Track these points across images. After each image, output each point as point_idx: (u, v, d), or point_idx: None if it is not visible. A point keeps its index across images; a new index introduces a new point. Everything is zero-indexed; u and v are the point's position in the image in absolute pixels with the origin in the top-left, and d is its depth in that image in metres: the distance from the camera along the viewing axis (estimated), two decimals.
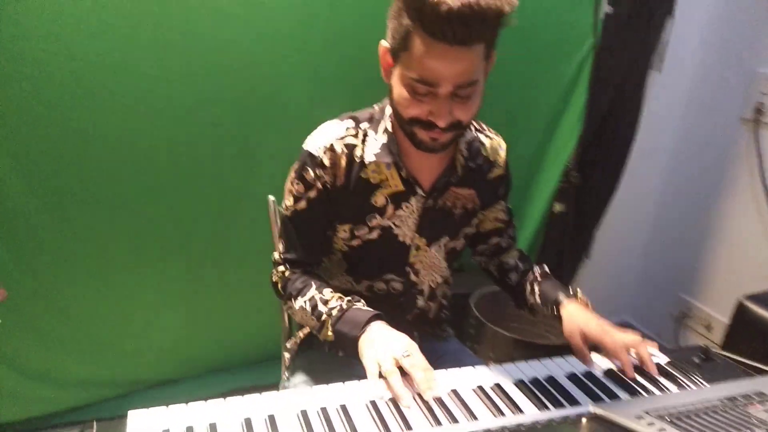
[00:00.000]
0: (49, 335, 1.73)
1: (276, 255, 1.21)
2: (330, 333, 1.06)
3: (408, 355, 0.94)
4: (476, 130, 1.23)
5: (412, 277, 1.23)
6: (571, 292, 1.20)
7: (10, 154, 1.51)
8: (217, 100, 1.67)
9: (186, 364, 1.97)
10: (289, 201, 1.16)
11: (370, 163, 1.12)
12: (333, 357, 1.24)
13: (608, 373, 1.07)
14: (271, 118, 1.73)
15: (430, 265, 1.24)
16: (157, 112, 1.62)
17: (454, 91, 0.96)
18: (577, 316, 1.14)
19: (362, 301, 1.10)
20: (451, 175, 1.16)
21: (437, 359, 1.32)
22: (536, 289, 1.25)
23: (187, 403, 0.86)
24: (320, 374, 1.23)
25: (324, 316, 1.07)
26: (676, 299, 2.52)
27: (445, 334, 1.39)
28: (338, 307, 1.07)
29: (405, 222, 1.17)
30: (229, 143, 1.72)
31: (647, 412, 0.89)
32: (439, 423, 0.87)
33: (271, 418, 0.86)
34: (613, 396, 0.99)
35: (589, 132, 2.18)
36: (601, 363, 1.10)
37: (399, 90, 1.00)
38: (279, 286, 1.19)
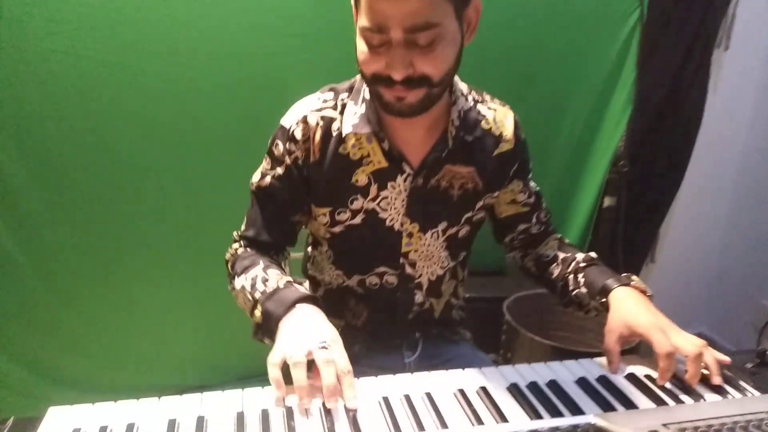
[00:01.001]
0: (63, 336, 1.73)
1: (235, 233, 1.10)
2: (259, 313, 0.92)
3: (324, 347, 0.80)
4: (475, 100, 1.07)
5: (408, 269, 1.09)
6: (624, 278, 1.01)
7: (19, 154, 1.52)
8: (223, 106, 1.64)
9: (202, 373, 1.90)
10: (256, 177, 1.06)
11: (349, 135, 0.99)
12: None
13: (630, 377, 0.88)
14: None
15: (428, 256, 1.09)
16: (166, 116, 1.61)
17: (407, 36, 0.82)
18: (625, 305, 0.95)
19: (306, 283, 0.97)
20: (442, 149, 1.01)
21: (444, 363, 1.16)
22: (581, 278, 1.06)
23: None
24: None
25: (258, 295, 0.94)
26: (757, 306, 2.19)
27: (456, 337, 1.22)
28: (275, 286, 0.93)
29: (392, 204, 1.03)
30: (239, 147, 1.65)
31: (666, 425, 0.70)
32: None
33: (199, 419, 0.74)
34: (630, 405, 0.80)
35: (644, 117, 1.95)
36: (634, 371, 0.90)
37: (359, 45, 0.89)
38: (228, 264, 1.07)
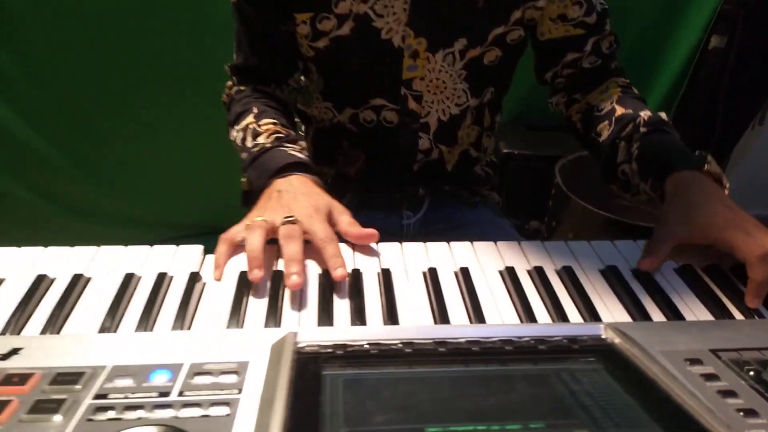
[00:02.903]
0: (97, 174, 1.68)
1: (227, 66, 0.89)
2: (244, 180, 0.75)
3: (291, 221, 0.60)
4: None
5: (411, 103, 0.83)
6: (695, 158, 0.70)
7: None
8: None
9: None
10: None
11: None
12: None
13: (684, 272, 0.62)
14: None
15: (438, 87, 0.82)
16: None
17: None
18: (690, 196, 0.65)
19: (300, 143, 0.77)
20: None
21: (453, 229, 0.95)
22: (635, 148, 0.75)
23: None
24: None
25: (245, 156, 0.77)
26: None
27: (475, 199, 0.99)
28: (262, 146, 0.75)
29: (390, 9, 0.76)
30: None
31: (715, 352, 0.46)
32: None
33: (127, 277, 0.58)
34: (677, 314, 0.56)
35: None
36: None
37: None
38: (225, 108, 0.88)
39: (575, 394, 0.40)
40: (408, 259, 0.63)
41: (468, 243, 0.66)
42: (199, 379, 0.41)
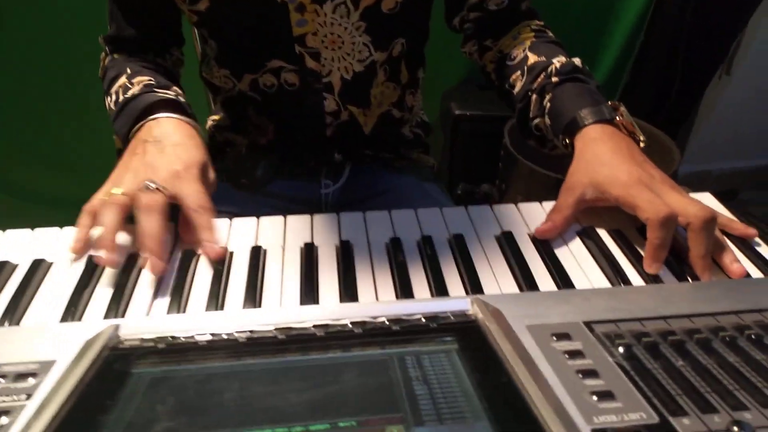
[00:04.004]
0: (31, 151, 1.61)
1: (100, 38, 0.81)
2: (115, 137, 0.69)
3: (150, 188, 0.54)
4: None
5: (309, 62, 0.76)
6: (607, 110, 0.63)
7: None
8: None
9: None
10: None
11: None
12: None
13: (587, 234, 0.57)
14: None
15: (335, 42, 0.75)
16: None
17: None
18: (596, 151, 0.59)
19: (175, 88, 0.70)
20: None
21: (377, 197, 0.89)
22: (547, 101, 0.69)
23: None
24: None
25: (114, 113, 0.70)
26: None
27: (402, 163, 0.93)
28: (131, 95, 0.68)
29: None
30: None
31: (590, 325, 0.41)
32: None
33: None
34: (568, 283, 0.51)
35: None
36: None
37: None
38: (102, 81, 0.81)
39: (411, 382, 0.36)
40: (289, 234, 0.58)
41: (360, 213, 0.61)
42: None
